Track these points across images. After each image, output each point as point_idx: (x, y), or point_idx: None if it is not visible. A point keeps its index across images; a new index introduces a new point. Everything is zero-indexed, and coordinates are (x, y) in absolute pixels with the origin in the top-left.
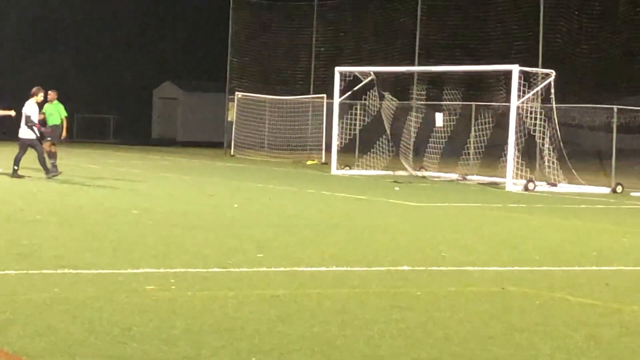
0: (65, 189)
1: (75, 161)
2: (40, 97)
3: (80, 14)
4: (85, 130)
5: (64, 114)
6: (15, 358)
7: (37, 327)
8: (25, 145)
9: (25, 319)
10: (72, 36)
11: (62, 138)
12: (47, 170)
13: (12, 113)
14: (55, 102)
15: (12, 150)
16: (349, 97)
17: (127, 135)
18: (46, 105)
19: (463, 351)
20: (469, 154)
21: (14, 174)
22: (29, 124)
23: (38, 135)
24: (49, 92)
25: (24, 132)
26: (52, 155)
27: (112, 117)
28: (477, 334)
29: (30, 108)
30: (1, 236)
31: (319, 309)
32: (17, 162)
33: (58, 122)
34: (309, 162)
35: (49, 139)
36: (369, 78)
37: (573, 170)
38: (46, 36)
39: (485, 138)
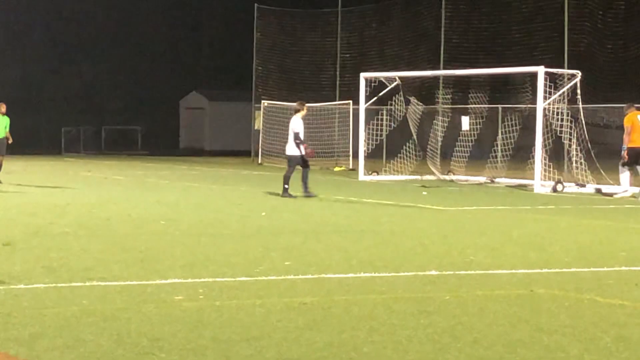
0: (94, 202)
1: (103, 173)
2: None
3: (106, 27)
4: (113, 142)
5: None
6: None
7: (66, 340)
8: None
9: (53, 332)
10: (98, 50)
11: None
12: None
13: None
14: (3, 115)
15: None
16: (374, 103)
17: (154, 146)
18: None
19: (492, 355)
20: (496, 156)
21: None
22: None
23: None
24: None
25: None
26: None
27: (140, 129)
28: (505, 337)
29: None
30: (30, 250)
31: (346, 315)
32: None
33: (3, 135)
34: (336, 169)
35: None
36: (395, 83)
37: (601, 171)
38: (73, 50)
39: (512, 140)
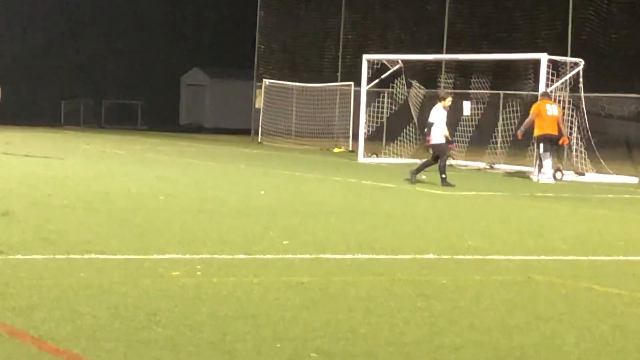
0: (92, 175)
1: (102, 147)
2: None
3: (109, 1)
4: (113, 116)
5: None
6: (40, 342)
7: (63, 312)
8: None
9: (51, 304)
10: (100, 23)
11: None
12: None
13: None
14: None
15: None
16: (376, 85)
17: (154, 121)
18: None
19: (488, 340)
20: (496, 142)
21: None
22: None
23: None
24: None
25: None
26: None
27: (140, 104)
28: (502, 323)
29: None
30: (29, 221)
31: (343, 296)
32: None
33: None
34: (335, 150)
35: None
36: (397, 66)
37: (601, 160)
38: (75, 23)
39: (513, 127)
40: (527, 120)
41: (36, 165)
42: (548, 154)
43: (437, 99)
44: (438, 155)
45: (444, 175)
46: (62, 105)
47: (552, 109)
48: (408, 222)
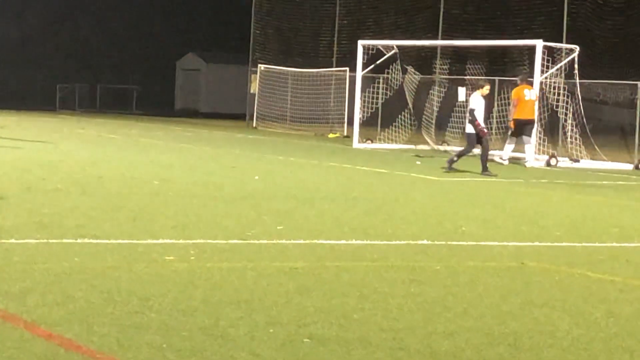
0: (87, 159)
1: (96, 131)
2: None
3: None
4: (108, 100)
5: None
6: (33, 326)
7: (56, 296)
8: None
9: (44, 288)
10: (95, 7)
11: None
12: None
13: None
14: None
15: None
16: (371, 71)
17: (149, 106)
18: None
19: (481, 326)
20: (491, 128)
21: None
22: None
23: None
24: None
25: None
26: None
27: (135, 88)
28: (495, 309)
29: None
30: (22, 205)
31: (337, 281)
32: None
33: None
34: (330, 135)
35: None
36: (392, 52)
37: (596, 147)
38: (69, 7)
39: (507, 113)
40: (510, 107)
41: (30, 150)
42: (528, 137)
43: (476, 87)
44: (478, 141)
45: (455, 159)
46: (57, 90)
47: (531, 94)
48: (402, 207)
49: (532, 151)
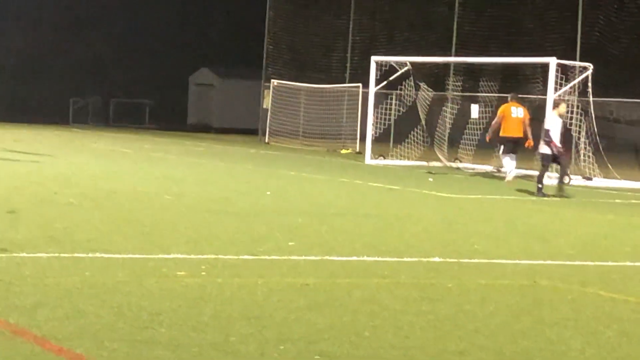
0: (99, 173)
1: (109, 145)
2: None
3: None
4: (121, 114)
5: None
6: (43, 341)
7: (66, 311)
8: None
9: (54, 302)
10: (108, 21)
11: None
12: None
13: None
14: None
15: None
16: (384, 87)
17: (162, 120)
18: None
19: (492, 344)
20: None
21: None
22: None
23: None
24: None
25: None
26: None
27: (148, 103)
28: (507, 328)
29: None
30: (34, 219)
31: (348, 298)
32: None
33: None
34: (343, 151)
35: None
36: (405, 68)
37: (609, 165)
38: (83, 21)
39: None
40: (493, 123)
41: (43, 163)
42: (508, 156)
43: (553, 107)
44: (558, 161)
45: (540, 185)
46: (71, 104)
47: (518, 112)
48: (414, 224)
49: (513, 168)
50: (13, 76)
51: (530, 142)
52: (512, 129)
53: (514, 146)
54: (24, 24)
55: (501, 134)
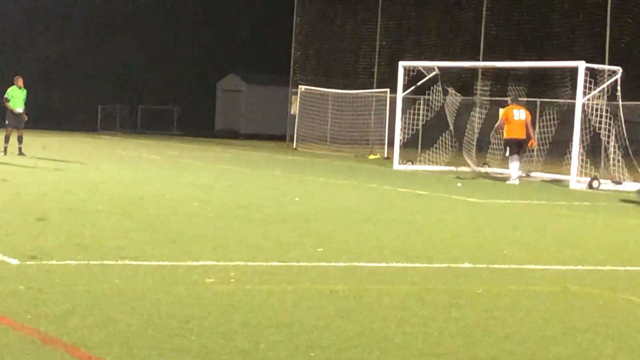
0: (128, 180)
1: (138, 152)
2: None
3: (145, 5)
4: (149, 121)
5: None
6: (73, 349)
7: (96, 319)
8: None
9: (84, 310)
10: (136, 29)
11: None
12: None
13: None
14: (21, 88)
15: None
16: (412, 92)
17: (190, 126)
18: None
19: (523, 351)
20: (532, 150)
21: None
22: None
23: None
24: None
25: None
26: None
27: (176, 109)
28: (537, 334)
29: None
30: (63, 226)
31: (378, 305)
32: None
33: (22, 107)
34: (371, 157)
35: None
36: (433, 73)
37: (639, 169)
38: (111, 28)
39: (549, 135)
40: (496, 125)
41: (72, 171)
42: (515, 156)
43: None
44: None
45: None
46: (99, 110)
47: (520, 114)
48: (443, 230)
49: (517, 169)
50: (42, 84)
51: (533, 142)
52: (515, 131)
53: (518, 147)
54: (53, 32)
55: (505, 136)
